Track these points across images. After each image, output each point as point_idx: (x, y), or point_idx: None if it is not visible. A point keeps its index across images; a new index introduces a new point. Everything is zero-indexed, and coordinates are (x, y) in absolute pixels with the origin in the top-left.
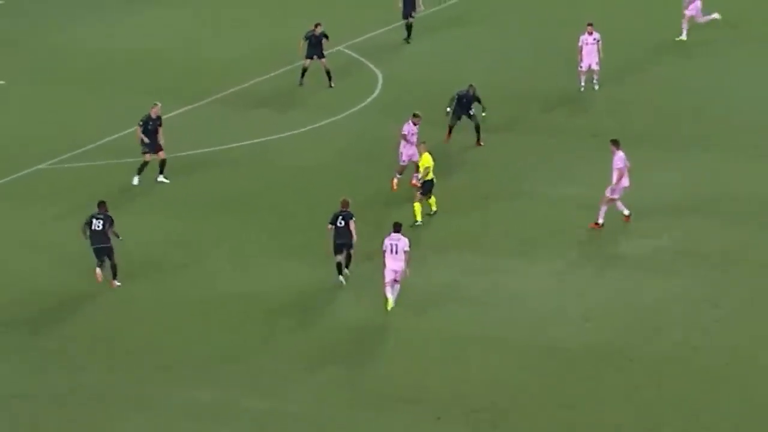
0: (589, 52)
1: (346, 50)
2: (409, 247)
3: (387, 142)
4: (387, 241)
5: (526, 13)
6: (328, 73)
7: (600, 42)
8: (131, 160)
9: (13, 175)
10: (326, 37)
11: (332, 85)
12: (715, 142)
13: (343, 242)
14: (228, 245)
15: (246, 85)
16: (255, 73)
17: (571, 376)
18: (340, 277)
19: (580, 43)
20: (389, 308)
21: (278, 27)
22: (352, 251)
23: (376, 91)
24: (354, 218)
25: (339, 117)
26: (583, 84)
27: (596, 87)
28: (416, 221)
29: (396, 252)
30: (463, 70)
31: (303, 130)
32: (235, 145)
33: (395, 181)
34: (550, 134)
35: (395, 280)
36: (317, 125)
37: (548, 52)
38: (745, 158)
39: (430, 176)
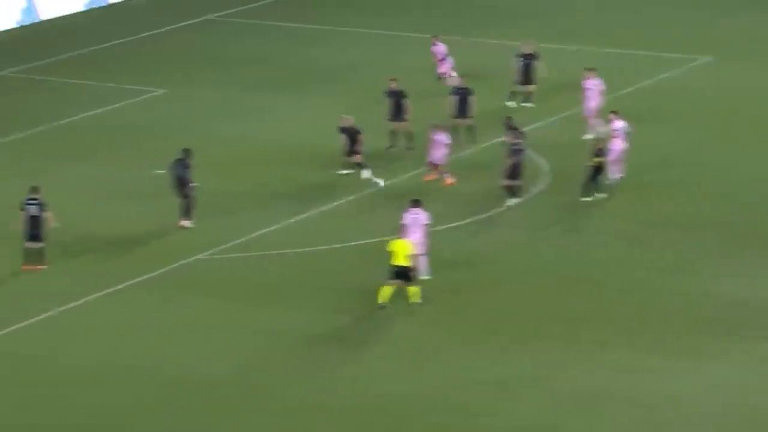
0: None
1: None
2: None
3: None
4: (407, 215)
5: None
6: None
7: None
8: (286, 250)
9: (172, 265)
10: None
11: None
12: None
13: None
14: None
15: None
16: None
17: None
18: None
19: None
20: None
21: None
22: None
23: None
24: None
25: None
26: None
27: None
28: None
29: (415, 225)
30: None
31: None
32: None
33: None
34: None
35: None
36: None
37: None
38: None
39: (397, 262)
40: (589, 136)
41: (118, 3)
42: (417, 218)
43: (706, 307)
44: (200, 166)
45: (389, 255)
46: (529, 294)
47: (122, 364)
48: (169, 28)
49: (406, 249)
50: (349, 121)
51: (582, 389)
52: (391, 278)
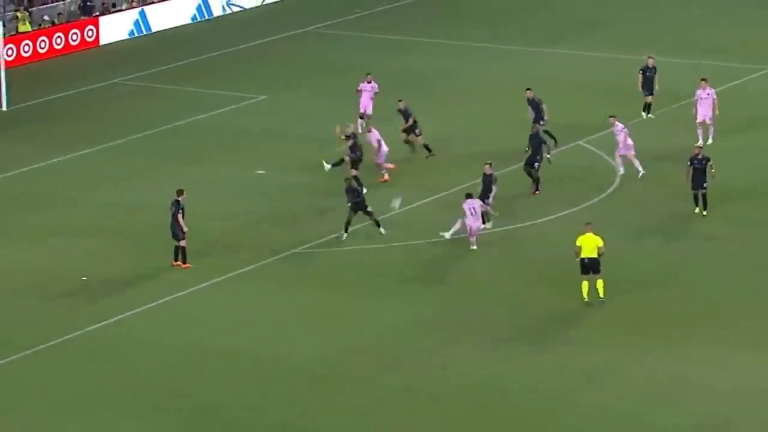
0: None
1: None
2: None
3: None
4: (466, 206)
5: None
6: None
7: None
8: (377, 246)
9: (271, 258)
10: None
11: None
12: None
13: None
14: None
15: None
16: None
17: None
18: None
19: (694, 98)
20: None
21: None
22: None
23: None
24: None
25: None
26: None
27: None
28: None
29: (474, 213)
30: None
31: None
32: None
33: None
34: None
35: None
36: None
37: None
38: None
39: (585, 254)
40: (710, 142)
41: (223, 16)
42: (473, 207)
43: None
44: (294, 167)
45: (578, 249)
46: (610, 290)
47: (221, 349)
48: (269, 39)
49: (594, 242)
50: (350, 128)
51: (657, 379)
52: (584, 272)
